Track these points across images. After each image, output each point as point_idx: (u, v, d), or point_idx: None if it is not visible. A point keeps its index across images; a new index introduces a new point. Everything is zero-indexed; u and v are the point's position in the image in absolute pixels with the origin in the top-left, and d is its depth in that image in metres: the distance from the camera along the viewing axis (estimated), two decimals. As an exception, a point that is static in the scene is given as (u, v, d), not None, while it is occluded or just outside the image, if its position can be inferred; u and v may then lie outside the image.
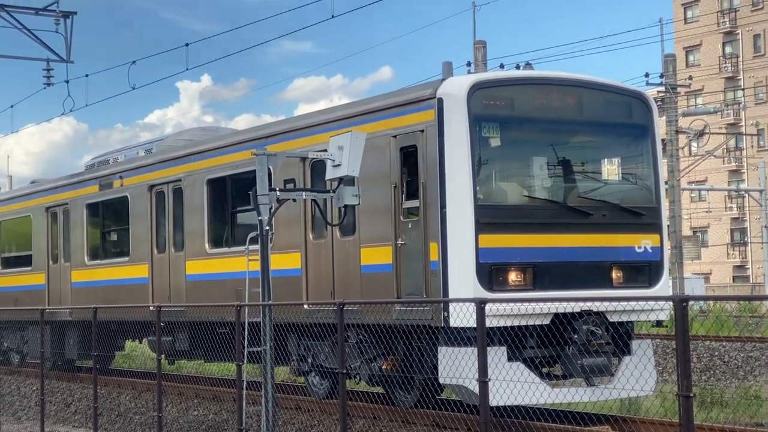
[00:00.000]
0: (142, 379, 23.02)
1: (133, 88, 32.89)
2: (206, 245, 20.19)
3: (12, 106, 36.84)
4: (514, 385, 12.96)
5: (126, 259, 23.05)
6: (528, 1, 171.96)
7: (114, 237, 24.44)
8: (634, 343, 15.34)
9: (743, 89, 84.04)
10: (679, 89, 45.47)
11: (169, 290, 21.13)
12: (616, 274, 15.43)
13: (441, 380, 14.60)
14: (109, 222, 24.59)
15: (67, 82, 31.05)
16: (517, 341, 13.88)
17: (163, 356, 17.02)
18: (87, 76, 35.94)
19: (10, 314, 25.72)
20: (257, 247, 13.83)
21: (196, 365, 24.46)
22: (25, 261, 27.73)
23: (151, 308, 18.87)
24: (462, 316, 12.97)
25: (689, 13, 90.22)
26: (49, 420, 18.01)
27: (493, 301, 11.56)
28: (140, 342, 25.20)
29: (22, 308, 26.01)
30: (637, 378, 14.21)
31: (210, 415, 18.23)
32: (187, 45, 35.02)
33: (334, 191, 14.09)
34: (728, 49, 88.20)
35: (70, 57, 25.73)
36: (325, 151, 14.12)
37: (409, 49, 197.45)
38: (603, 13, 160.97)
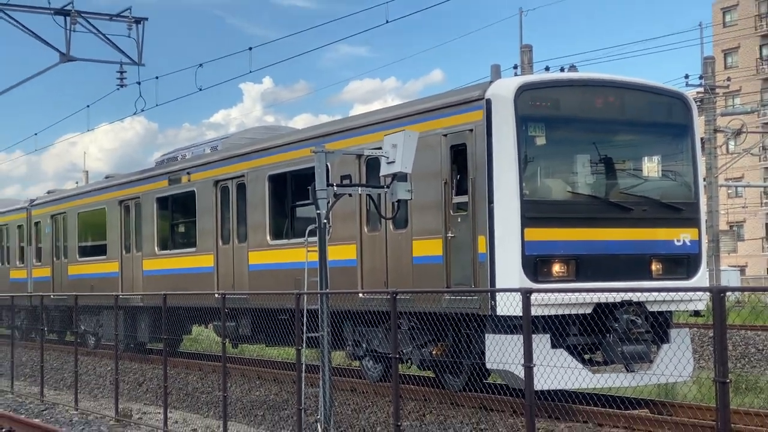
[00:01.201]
0: (208, 361, 23.26)
1: (200, 90, 33.18)
2: (267, 237, 20.33)
3: (88, 106, 37.04)
4: (557, 370, 12.91)
5: (193, 249, 23.28)
6: (572, 6, 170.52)
7: (182, 229, 24.68)
8: (673, 332, 15.21)
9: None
10: (717, 90, 44.85)
11: (233, 279, 21.31)
12: (655, 266, 15.31)
13: (488, 365, 14.58)
14: (178, 215, 24.84)
15: (139, 83, 31.35)
16: (560, 329, 13.84)
17: (227, 340, 17.20)
18: (157, 78, 36.26)
19: (87, 300, 26.08)
20: (315, 239, 13.91)
21: (257, 349, 24.67)
22: (100, 250, 28.11)
23: (217, 296, 19.02)
24: (508, 305, 12.95)
25: (728, 17, 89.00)
26: (122, 398, 18.25)
27: (538, 291, 11.53)
28: (206, 327, 25.48)
29: (97, 294, 26.37)
30: (675, 365, 14.10)
31: (271, 395, 18.36)
32: (250, 49, 35.21)
33: (388, 187, 14.13)
34: (765, 52, 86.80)
35: (141, 60, 25.94)
36: (380, 148, 14.15)
37: (459, 53, 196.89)
38: (645, 16, 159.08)
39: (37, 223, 32.83)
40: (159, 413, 16.61)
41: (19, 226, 34.23)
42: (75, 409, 18.52)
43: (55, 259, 31.17)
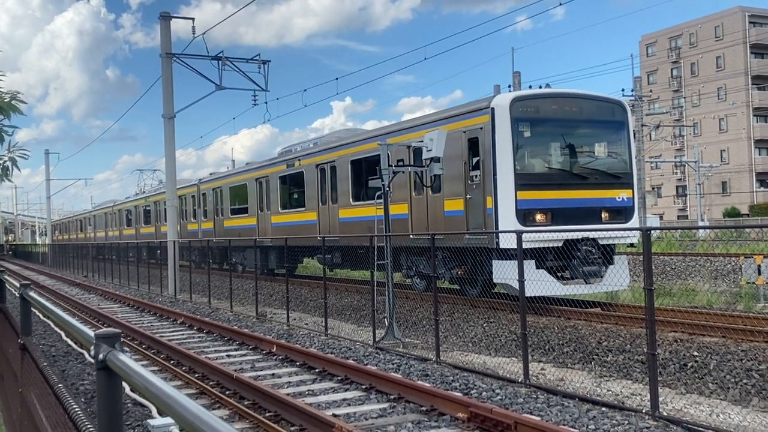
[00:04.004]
0: (313, 280, 23.49)
1: (305, 106, 33.46)
2: (350, 200, 20.40)
3: (234, 118, 37.84)
4: (540, 283, 12.86)
5: (303, 209, 23.44)
6: (545, 45, 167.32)
7: (295, 196, 24.84)
8: (616, 258, 15.04)
9: (684, 98, 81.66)
10: (643, 98, 43.95)
11: (329, 227, 21.46)
12: (604, 215, 15.12)
13: (495, 280, 14.58)
14: (292, 187, 24.99)
15: (266, 102, 31.73)
16: (541, 256, 13.76)
17: (326, 266, 17.36)
18: (278, 99, 36.62)
19: (236, 242, 26.45)
20: (381, 200, 13.94)
21: (345, 272, 24.87)
22: (244, 210, 28.43)
23: (318, 238, 19.19)
24: (507, 241, 12.89)
25: (649, 50, 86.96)
26: (260, 304, 18.53)
27: (527, 231, 11.47)
28: (312, 258, 25.70)
29: (242, 238, 26.73)
30: (617, 279, 13.96)
31: (354, 301, 18.53)
32: (336, 79, 35.28)
33: (427, 166, 14.08)
34: (675, 73, 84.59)
35: (267, 87, 26.07)
36: (422, 141, 14.10)
37: (473, 78, 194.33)
38: (596, 49, 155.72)
39: (203, 194, 33.29)
40: (283, 313, 16.86)
41: (193, 196, 34.78)
42: (230, 312, 18.88)
43: (215, 216, 31.60)
